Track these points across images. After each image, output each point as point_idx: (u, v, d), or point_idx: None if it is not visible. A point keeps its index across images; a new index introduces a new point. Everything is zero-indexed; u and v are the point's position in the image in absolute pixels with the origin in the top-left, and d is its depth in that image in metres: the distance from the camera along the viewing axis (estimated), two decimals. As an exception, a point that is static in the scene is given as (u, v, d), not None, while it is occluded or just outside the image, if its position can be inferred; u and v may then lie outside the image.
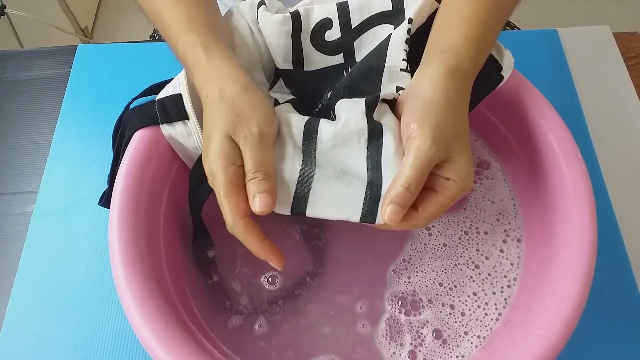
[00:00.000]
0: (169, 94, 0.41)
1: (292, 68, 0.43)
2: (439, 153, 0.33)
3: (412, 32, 0.39)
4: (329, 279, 0.44)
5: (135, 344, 0.47)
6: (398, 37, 0.39)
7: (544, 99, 0.42)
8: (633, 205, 0.52)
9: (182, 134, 0.40)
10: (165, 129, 0.41)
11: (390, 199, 0.33)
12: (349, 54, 0.42)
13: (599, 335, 0.46)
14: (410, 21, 0.39)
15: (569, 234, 0.37)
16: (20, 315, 0.49)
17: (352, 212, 0.35)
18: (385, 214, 0.33)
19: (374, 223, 0.35)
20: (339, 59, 0.42)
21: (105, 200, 0.42)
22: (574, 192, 0.38)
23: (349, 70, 0.42)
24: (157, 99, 0.41)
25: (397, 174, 0.34)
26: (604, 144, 0.56)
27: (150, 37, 0.84)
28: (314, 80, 0.43)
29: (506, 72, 0.41)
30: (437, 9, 0.41)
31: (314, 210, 0.35)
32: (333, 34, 0.42)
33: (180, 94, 0.40)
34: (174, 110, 0.40)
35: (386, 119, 0.37)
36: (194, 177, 0.40)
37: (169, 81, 0.42)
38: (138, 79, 0.62)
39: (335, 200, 0.35)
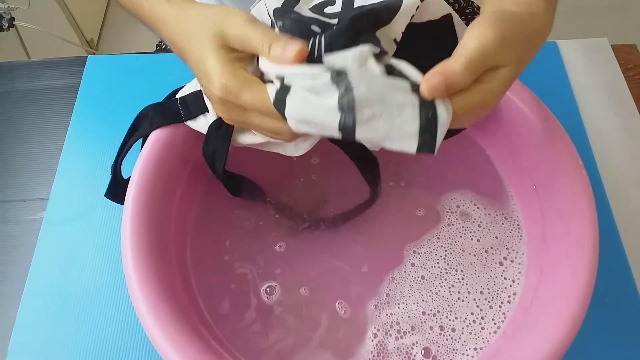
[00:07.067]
0: (189, 92, 0.42)
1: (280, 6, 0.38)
2: (500, 51, 0.30)
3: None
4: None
5: (145, 350, 0.47)
6: None
7: (546, 108, 0.43)
8: (633, 215, 0.53)
9: (203, 127, 0.41)
10: (190, 124, 0.42)
11: (439, 70, 0.29)
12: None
13: (599, 342, 0.46)
14: None
15: (570, 242, 0.38)
16: (31, 320, 0.50)
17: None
18: (429, 81, 0.29)
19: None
20: (334, 22, 0.37)
21: (109, 191, 0.43)
22: (574, 200, 0.38)
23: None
24: (178, 97, 0.42)
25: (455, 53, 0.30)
26: (604, 154, 0.57)
27: (157, 46, 0.85)
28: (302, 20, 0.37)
29: None
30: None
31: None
32: (334, 9, 0.38)
33: (200, 90, 0.41)
34: (194, 105, 0.41)
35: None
36: (207, 153, 0.42)
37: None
38: (147, 89, 0.63)
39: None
